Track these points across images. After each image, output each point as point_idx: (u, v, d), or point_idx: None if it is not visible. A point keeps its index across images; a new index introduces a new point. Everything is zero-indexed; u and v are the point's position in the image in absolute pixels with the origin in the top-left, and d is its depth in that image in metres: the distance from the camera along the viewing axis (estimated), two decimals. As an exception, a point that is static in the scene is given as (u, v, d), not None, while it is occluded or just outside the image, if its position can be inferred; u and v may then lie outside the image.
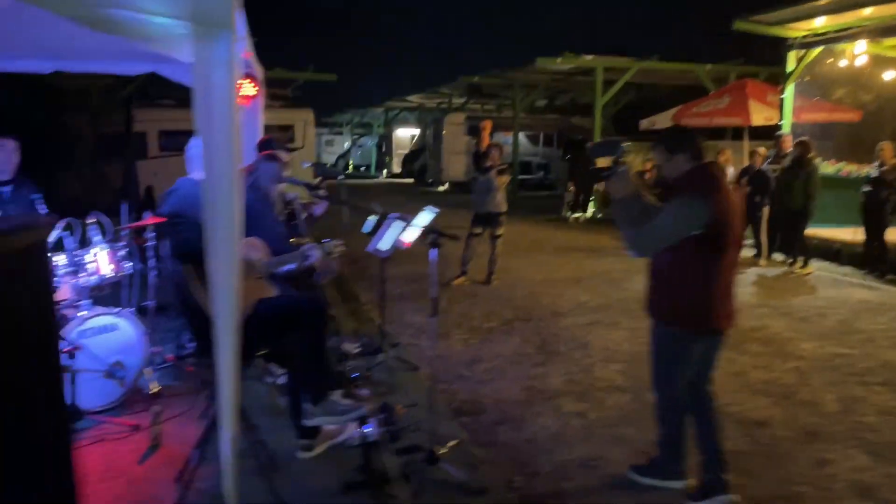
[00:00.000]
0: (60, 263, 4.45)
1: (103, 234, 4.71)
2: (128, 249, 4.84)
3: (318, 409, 3.51)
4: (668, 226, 3.23)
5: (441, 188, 26.61)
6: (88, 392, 4.29)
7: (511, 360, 5.89)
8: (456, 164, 25.57)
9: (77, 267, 4.52)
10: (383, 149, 37.14)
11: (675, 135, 3.48)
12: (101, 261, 4.62)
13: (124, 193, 12.93)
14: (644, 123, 16.31)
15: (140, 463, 3.81)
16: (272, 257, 3.77)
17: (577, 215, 16.34)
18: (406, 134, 36.19)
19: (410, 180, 30.98)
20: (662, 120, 15.89)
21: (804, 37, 11.49)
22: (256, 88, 5.73)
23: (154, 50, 2.75)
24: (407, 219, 4.73)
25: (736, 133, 16.64)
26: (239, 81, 5.65)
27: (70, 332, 4.24)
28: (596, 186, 16.41)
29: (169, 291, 5.34)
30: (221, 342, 2.91)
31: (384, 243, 4.85)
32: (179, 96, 18.88)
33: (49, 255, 4.43)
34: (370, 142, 42.19)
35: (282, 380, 5.00)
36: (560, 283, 9.07)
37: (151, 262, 5.07)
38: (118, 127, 14.65)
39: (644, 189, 3.44)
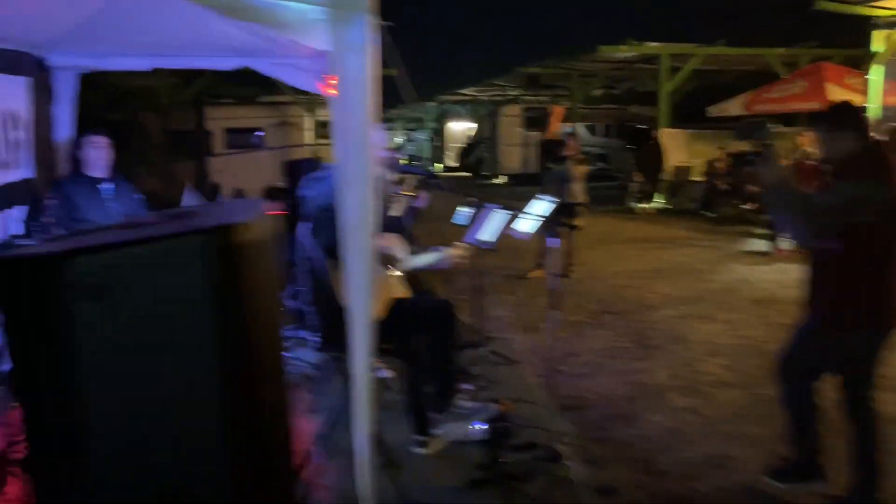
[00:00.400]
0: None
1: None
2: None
3: (445, 416, 3.41)
4: (839, 210, 2.93)
5: (497, 180, 26.44)
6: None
7: (607, 354, 5.73)
8: (512, 157, 25.39)
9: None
10: (436, 143, 37.10)
11: (839, 110, 3.19)
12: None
13: (199, 190, 13.14)
14: (713, 110, 15.86)
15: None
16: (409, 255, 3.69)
17: (644, 206, 15.97)
18: (460, 127, 36.06)
19: (467, 174, 30.86)
20: (733, 106, 15.44)
21: (893, 15, 10.95)
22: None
23: (288, 37, 2.69)
24: (509, 209, 4.61)
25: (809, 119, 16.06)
26: (330, 76, 5.62)
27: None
28: (660, 177, 16.03)
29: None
30: (357, 338, 2.83)
31: (486, 234, 4.73)
32: (240, 94, 19.18)
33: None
34: (422, 136, 42.19)
35: (383, 373, 4.96)
36: (640, 275, 8.83)
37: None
38: (185, 125, 14.86)
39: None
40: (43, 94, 5.21)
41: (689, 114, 19.80)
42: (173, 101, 15.37)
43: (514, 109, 25.96)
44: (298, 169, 7.54)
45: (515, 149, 25.00)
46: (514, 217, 4.52)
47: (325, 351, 3.47)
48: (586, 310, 7.13)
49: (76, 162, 4.94)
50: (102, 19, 4.68)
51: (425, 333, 3.37)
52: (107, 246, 1.12)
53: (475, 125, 34.84)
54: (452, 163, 34.04)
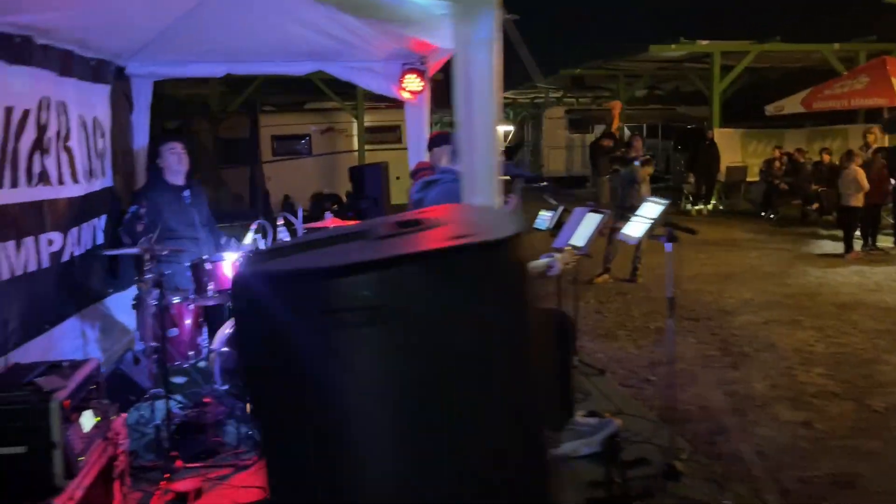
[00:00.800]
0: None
1: (292, 234, 4.61)
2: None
3: (565, 434, 3.23)
4: None
5: (541, 183, 26.09)
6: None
7: (696, 363, 5.49)
8: (556, 159, 25.13)
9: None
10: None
11: None
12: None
13: (251, 197, 13.16)
14: (770, 109, 15.40)
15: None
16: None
17: (699, 207, 15.59)
18: (499, 130, 35.80)
19: (505, 178, 30.61)
20: (791, 104, 14.99)
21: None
22: (423, 84, 5.54)
23: (411, 34, 2.57)
24: (601, 211, 4.41)
25: (867, 116, 15.54)
26: (405, 76, 5.51)
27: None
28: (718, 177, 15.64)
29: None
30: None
31: (579, 238, 4.53)
32: (287, 102, 19.25)
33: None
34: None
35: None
36: (712, 278, 8.54)
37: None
38: (239, 132, 14.91)
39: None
40: (121, 103, 5.17)
41: (737, 113, 19.36)
42: (225, 108, 15.46)
43: (558, 111, 25.68)
44: (363, 175, 7.45)
45: (560, 151, 24.73)
46: (607, 219, 4.31)
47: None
48: (662, 316, 6.87)
49: (156, 170, 4.89)
50: (183, 27, 4.63)
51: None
52: (380, 262, 0.97)
53: (511, 128, 34.75)
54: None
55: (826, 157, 13.26)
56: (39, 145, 3.81)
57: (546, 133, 25.39)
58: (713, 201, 15.89)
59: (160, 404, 4.27)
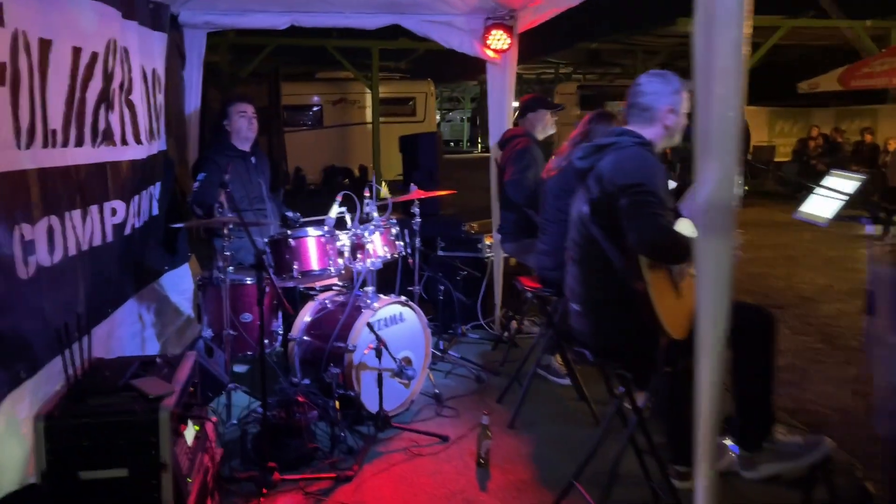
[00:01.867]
0: (344, 245, 3.81)
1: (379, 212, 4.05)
2: (397, 228, 4.17)
3: (763, 455, 2.72)
4: None
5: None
6: (376, 395, 3.64)
7: (802, 356, 5.00)
8: (567, 137, 24.50)
9: (357, 247, 3.87)
10: (477, 122, 36.31)
11: None
12: (376, 241, 3.97)
13: (274, 171, 12.50)
14: (804, 86, 14.92)
15: (483, 490, 3.13)
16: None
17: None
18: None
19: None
20: (826, 82, 14.51)
21: None
22: (510, 41, 4.95)
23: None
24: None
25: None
26: (490, 32, 4.91)
27: (373, 325, 3.58)
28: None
29: (432, 275, 4.69)
30: (704, 355, 2.15)
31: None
32: (298, 71, 18.47)
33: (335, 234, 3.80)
34: (459, 116, 41.53)
35: (565, 381, 4.29)
36: (772, 261, 8.06)
37: (417, 242, 4.39)
38: (258, 101, 14.21)
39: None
40: (174, 56, 4.56)
41: (762, 91, 18.82)
42: (234, 75, 14.73)
43: (570, 87, 24.98)
44: (417, 144, 6.86)
45: (570, 129, 24.05)
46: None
47: (587, 362, 2.78)
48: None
49: (222, 133, 4.30)
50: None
51: (737, 349, 2.65)
52: None
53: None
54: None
55: (868, 137, 12.80)
56: (105, 97, 3.22)
57: (557, 110, 24.76)
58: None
59: (238, 399, 3.74)
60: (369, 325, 3.46)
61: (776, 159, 15.72)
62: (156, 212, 4.18)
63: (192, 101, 4.85)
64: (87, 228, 3.06)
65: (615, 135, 2.69)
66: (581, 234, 2.74)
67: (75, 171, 2.97)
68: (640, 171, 2.52)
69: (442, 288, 4.55)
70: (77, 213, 2.96)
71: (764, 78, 19.20)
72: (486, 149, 33.26)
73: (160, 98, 4.14)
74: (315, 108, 17.36)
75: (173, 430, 2.22)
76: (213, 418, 2.93)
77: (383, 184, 16.86)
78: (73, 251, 2.91)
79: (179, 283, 4.60)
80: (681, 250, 2.41)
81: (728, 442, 3.05)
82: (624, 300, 2.54)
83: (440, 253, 5.24)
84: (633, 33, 19.09)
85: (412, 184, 4.40)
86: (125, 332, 3.65)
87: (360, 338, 3.56)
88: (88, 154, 3.09)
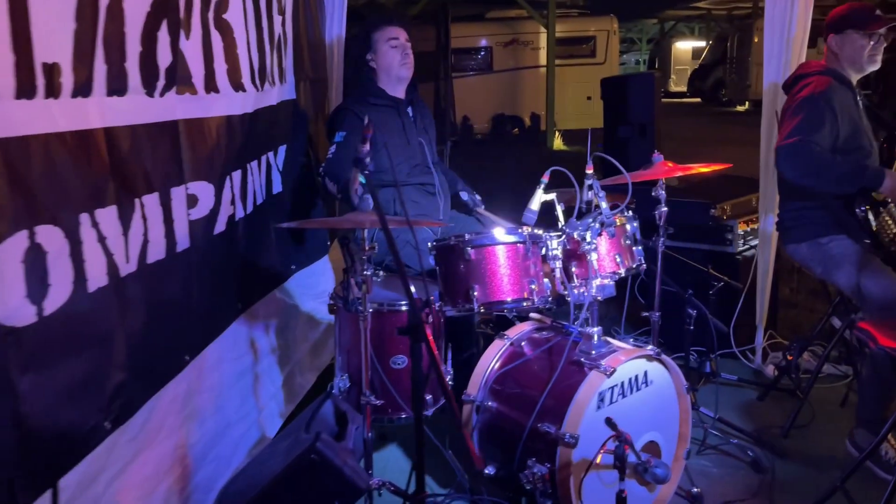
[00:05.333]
0: (555, 256, 2.32)
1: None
2: (636, 223, 2.60)
3: None
4: None
5: (741, 107, 22.78)
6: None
7: None
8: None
9: (573, 259, 2.37)
10: (656, 65, 33.23)
11: None
12: (602, 248, 2.43)
13: (440, 121, 11.23)
14: None
15: None
16: None
17: None
18: (687, 47, 31.95)
19: (695, 99, 27.25)
20: None
21: None
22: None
23: None
24: None
25: None
26: None
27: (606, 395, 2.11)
28: None
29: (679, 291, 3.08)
30: None
31: None
32: (466, 11, 16.95)
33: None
34: (634, 59, 38.52)
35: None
36: None
37: (660, 244, 2.79)
38: (417, 45, 12.90)
39: None
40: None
41: None
42: (404, 16, 13.43)
43: (774, 21, 21.62)
44: (625, 89, 5.19)
45: (771, 69, 20.86)
46: None
47: None
48: None
49: (367, 72, 2.93)
50: None
51: None
52: None
53: (703, 44, 30.63)
54: (677, 87, 30.27)
55: None
56: (166, 13, 1.90)
57: (757, 47, 21.49)
58: None
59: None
60: (610, 423, 1.96)
61: None
62: (278, 189, 2.90)
63: (335, 27, 3.50)
64: (134, 235, 1.78)
65: None
66: None
67: (107, 138, 1.68)
68: None
69: (693, 313, 2.93)
70: (109, 213, 1.68)
71: None
72: (668, 94, 30.22)
73: (284, 23, 2.80)
74: (483, 52, 15.83)
75: None
76: None
77: (557, 134, 15.27)
78: (99, 281, 1.64)
79: (314, 284, 3.35)
80: None
81: None
82: None
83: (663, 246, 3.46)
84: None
85: (656, 153, 2.76)
86: (224, 374, 2.42)
87: (585, 422, 2.08)
88: (136, 108, 1.80)
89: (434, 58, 11.91)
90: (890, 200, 2.72)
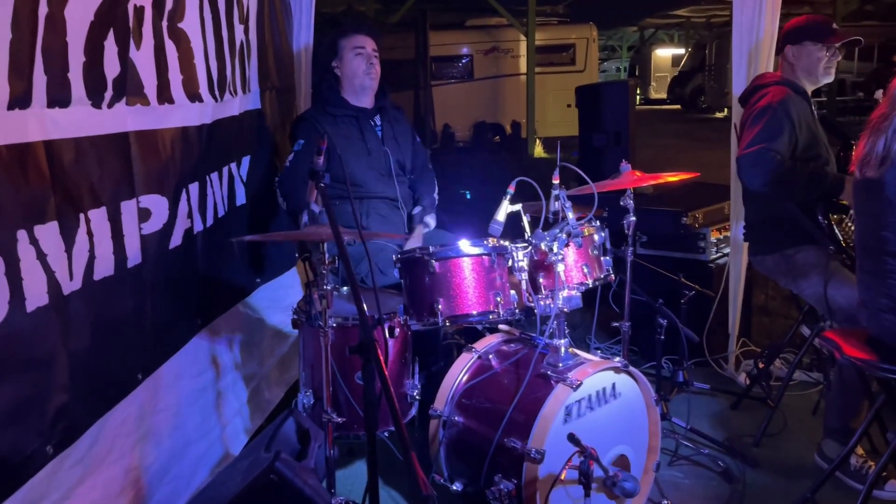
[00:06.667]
0: (521, 268, 2.28)
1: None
2: (604, 233, 2.57)
3: None
4: None
5: (720, 114, 23.09)
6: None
7: None
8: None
9: (539, 270, 2.33)
10: (636, 72, 33.49)
11: None
12: (570, 259, 2.40)
13: (420, 128, 11.19)
14: None
15: None
16: None
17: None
18: (667, 54, 32.21)
19: (675, 106, 27.51)
20: None
21: None
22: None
23: None
24: None
25: None
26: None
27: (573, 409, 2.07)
28: None
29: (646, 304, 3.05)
30: None
31: None
32: (445, 20, 16.95)
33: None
34: (615, 66, 38.84)
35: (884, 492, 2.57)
36: None
37: (629, 254, 2.76)
38: (395, 52, 12.85)
39: None
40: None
41: None
42: (382, 24, 13.41)
43: (752, 29, 21.84)
44: (599, 97, 5.18)
45: (751, 76, 21.08)
46: None
47: None
48: None
49: (330, 81, 2.89)
50: None
51: None
52: None
53: (682, 51, 30.88)
54: (657, 94, 30.52)
55: None
56: (113, 22, 1.84)
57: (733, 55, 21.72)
58: None
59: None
60: (573, 438, 1.91)
61: None
62: (241, 201, 2.84)
63: (303, 35, 3.46)
64: (77, 253, 1.72)
65: None
66: None
67: (52, 151, 1.62)
68: None
69: (664, 323, 2.91)
70: (49, 229, 1.62)
71: None
72: (648, 101, 30.44)
73: (247, 31, 2.75)
74: (465, 60, 15.84)
75: None
76: None
77: (537, 142, 15.28)
78: (39, 300, 1.58)
79: (282, 297, 3.29)
80: None
81: None
82: None
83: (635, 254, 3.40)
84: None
85: (623, 162, 2.73)
86: (183, 392, 2.35)
87: (552, 437, 2.04)
88: (83, 119, 1.74)
89: (413, 65, 11.89)
90: (851, 207, 2.72)
